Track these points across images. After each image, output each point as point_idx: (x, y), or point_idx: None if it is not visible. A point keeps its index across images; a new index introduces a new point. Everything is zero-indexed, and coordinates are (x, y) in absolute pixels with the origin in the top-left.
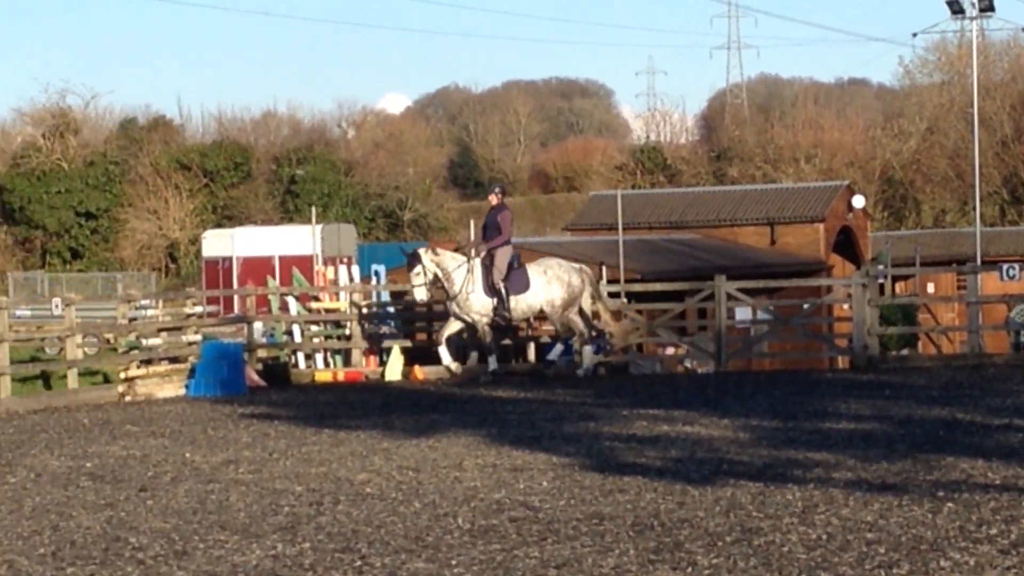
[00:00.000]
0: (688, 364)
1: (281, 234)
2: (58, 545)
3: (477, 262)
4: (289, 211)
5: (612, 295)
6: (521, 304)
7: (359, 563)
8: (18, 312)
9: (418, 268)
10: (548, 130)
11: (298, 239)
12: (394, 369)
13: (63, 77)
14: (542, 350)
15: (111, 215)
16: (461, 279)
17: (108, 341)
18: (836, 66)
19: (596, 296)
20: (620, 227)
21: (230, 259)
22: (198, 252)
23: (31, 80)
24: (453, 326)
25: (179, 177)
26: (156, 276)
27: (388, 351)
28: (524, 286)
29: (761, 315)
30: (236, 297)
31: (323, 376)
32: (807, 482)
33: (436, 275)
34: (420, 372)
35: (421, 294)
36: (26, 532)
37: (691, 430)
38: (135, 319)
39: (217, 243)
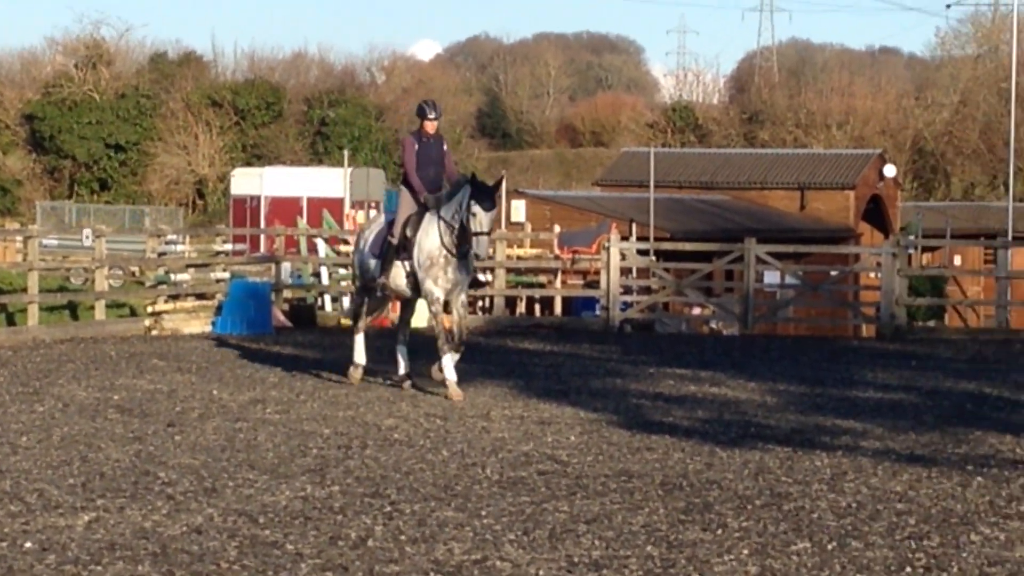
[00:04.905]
0: (714, 325)
1: (310, 175)
2: (88, 476)
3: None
4: (318, 153)
5: (641, 252)
6: None
7: (388, 508)
8: (45, 241)
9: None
10: (577, 84)
11: (327, 181)
12: (419, 316)
13: (98, 8)
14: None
15: (140, 148)
16: None
17: (134, 274)
18: (867, 34)
19: None
20: (652, 185)
21: (258, 198)
22: (226, 190)
23: (65, 9)
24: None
25: (210, 114)
26: (183, 212)
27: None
28: None
29: (789, 280)
30: (263, 236)
31: (349, 320)
32: (835, 449)
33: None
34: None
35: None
36: (55, 462)
37: (718, 391)
38: (164, 254)
39: (246, 181)
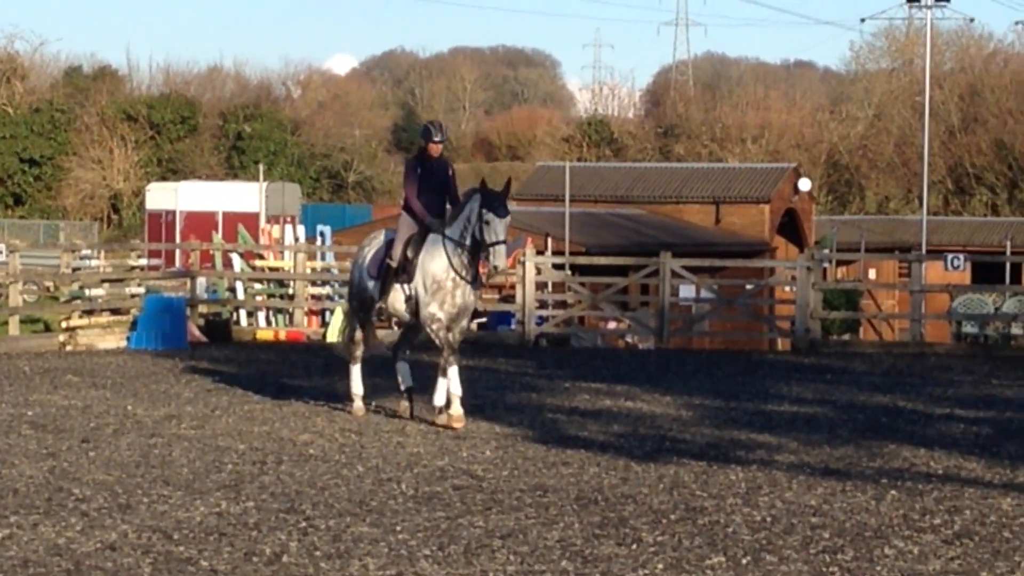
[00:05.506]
0: (629, 339)
1: (225, 190)
2: (0, 493)
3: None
4: (234, 167)
5: (557, 267)
6: None
7: (304, 524)
8: None
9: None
10: (493, 98)
11: (242, 196)
12: (335, 331)
13: (11, 22)
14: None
15: (55, 163)
16: None
17: (48, 289)
18: (782, 48)
19: None
20: (567, 199)
21: (173, 213)
22: (141, 204)
23: None
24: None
25: (125, 128)
26: (98, 226)
27: (330, 312)
28: None
29: (704, 294)
30: (179, 251)
31: (264, 334)
32: (750, 463)
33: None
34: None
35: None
36: None
37: (633, 406)
38: (78, 269)
39: (161, 196)
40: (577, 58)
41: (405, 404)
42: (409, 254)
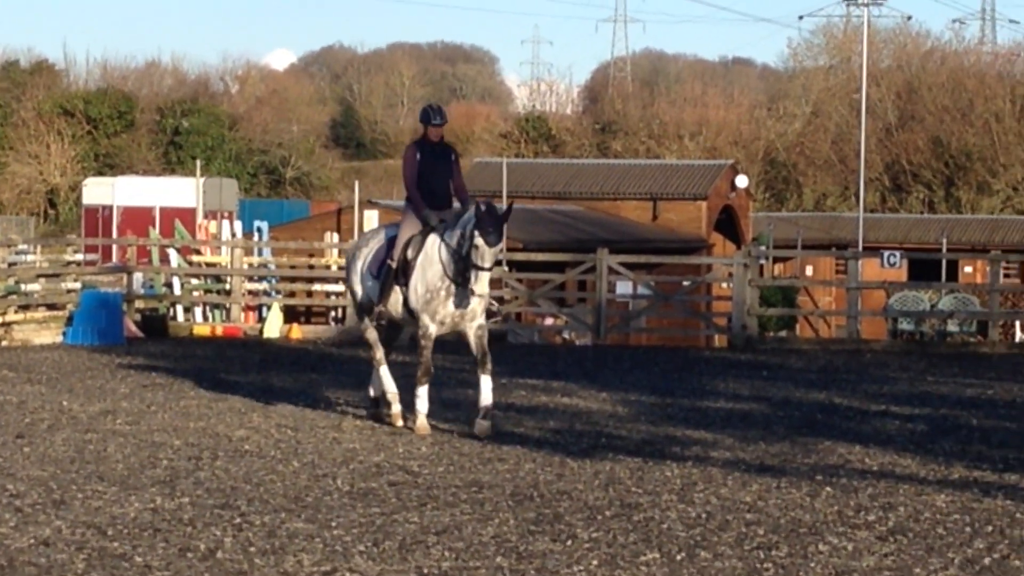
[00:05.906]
0: (566, 335)
1: (162, 185)
2: None
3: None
4: (171, 163)
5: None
6: None
7: (238, 520)
8: None
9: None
10: (431, 94)
11: (180, 191)
12: (272, 327)
13: None
14: None
15: None
16: None
17: None
18: (720, 44)
19: None
20: (504, 195)
21: (110, 208)
22: (78, 199)
23: None
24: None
25: (62, 123)
26: (34, 221)
27: (267, 308)
28: None
29: (641, 290)
30: (115, 246)
31: (201, 330)
32: (686, 460)
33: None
34: (298, 331)
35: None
36: None
37: (569, 402)
38: (14, 264)
39: (98, 191)
40: (515, 54)
41: (374, 412)
42: (408, 254)
